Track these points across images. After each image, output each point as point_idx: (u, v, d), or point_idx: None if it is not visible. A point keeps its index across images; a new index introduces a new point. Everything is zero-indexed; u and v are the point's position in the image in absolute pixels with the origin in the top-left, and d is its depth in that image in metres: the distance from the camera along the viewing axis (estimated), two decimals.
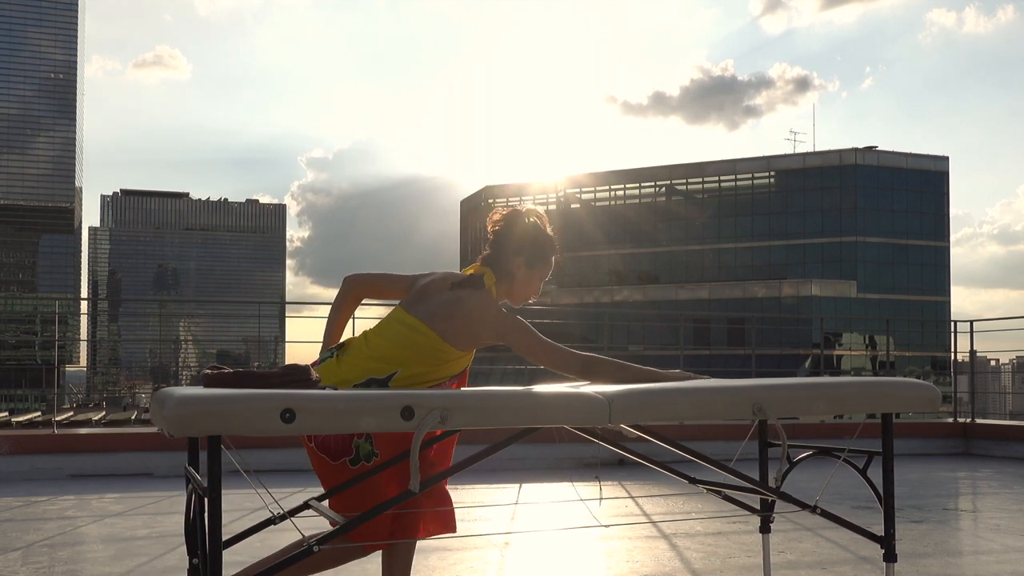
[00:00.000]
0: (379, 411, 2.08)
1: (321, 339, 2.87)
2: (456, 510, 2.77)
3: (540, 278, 2.77)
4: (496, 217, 2.78)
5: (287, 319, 12.70)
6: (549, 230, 2.79)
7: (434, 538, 2.69)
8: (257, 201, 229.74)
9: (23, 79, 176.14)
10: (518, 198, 73.05)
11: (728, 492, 3.00)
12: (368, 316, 10.78)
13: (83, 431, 8.36)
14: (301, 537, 2.33)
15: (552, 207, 70.82)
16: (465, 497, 6.37)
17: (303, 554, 2.13)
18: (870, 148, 62.17)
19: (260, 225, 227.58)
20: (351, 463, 2.49)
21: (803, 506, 2.65)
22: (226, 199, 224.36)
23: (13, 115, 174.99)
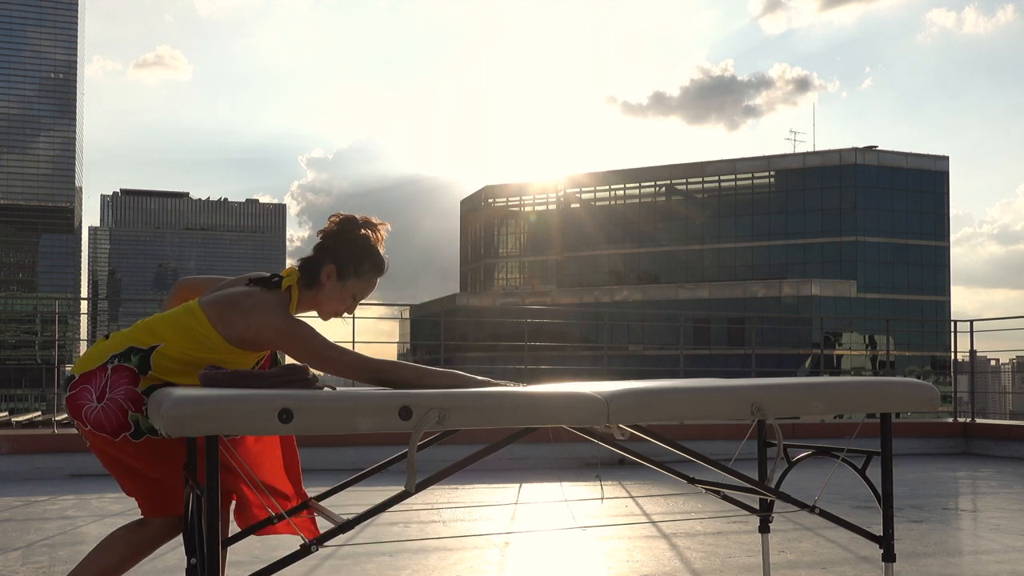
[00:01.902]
0: (377, 411, 2.08)
1: None
2: (456, 510, 2.76)
3: (352, 294, 2.52)
4: (330, 220, 2.58)
5: None
6: (382, 248, 2.57)
7: (434, 538, 2.66)
8: (257, 201, 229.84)
9: (23, 79, 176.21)
10: (518, 198, 73.07)
11: (727, 492, 3.00)
12: (368, 316, 10.78)
13: None
14: (300, 537, 2.33)
15: (552, 207, 70.84)
16: (465, 497, 6.37)
17: (302, 554, 2.13)
18: (870, 148, 62.17)
19: (260, 225, 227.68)
20: (133, 437, 2.39)
21: (802, 506, 2.64)
22: (226, 199, 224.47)
23: (13, 115, 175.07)
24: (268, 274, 2.52)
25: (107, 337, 2.46)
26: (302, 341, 2.37)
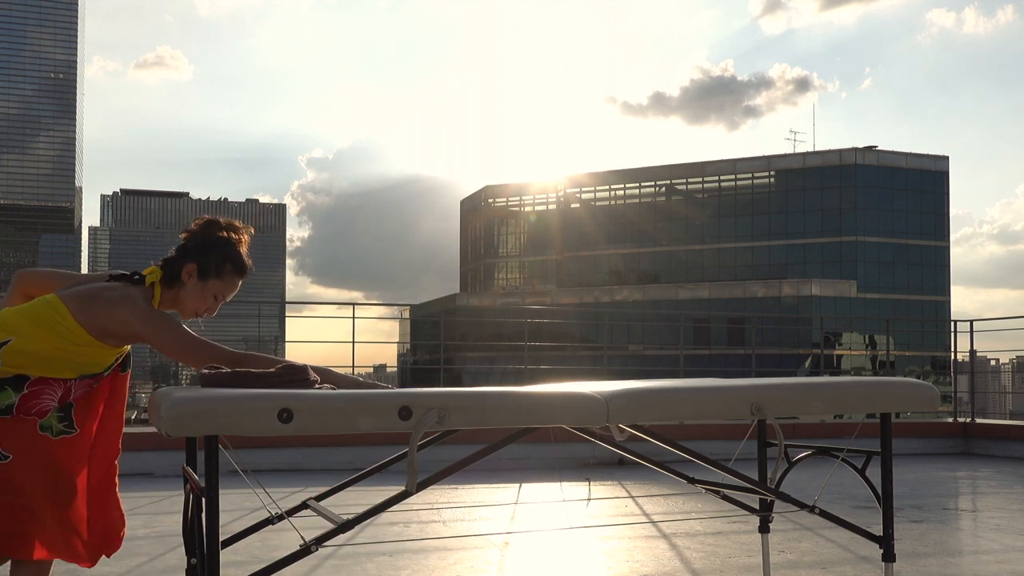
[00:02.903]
0: (377, 411, 2.08)
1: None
2: (456, 510, 2.76)
3: (213, 294, 2.55)
4: (195, 222, 2.61)
5: (287, 319, 12.70)
6: (245, 249, 2.60)
7: (434, 538, 2.66)
8: (257, 201, 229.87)
9: (23, 79, 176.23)
10: (518, 198, 73.07)
11: (727, 492, 3.00)
12: (368, 316, 10.77)
13: None
14: (299, 537, 2.32)
15: (552, 207, 70.84)
16: (465, 497, 6.37)
17: (302, 554, 2.12)
18: (870, 148, 62.17)
19: (260, 225, 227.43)
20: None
21: (802, 506, 2.64)
22: (226, 199, 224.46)
23: (13, 115, 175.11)
24: (129, 272, 2.54)
25: None
26: (167, 331, 2.40)
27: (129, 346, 2.56)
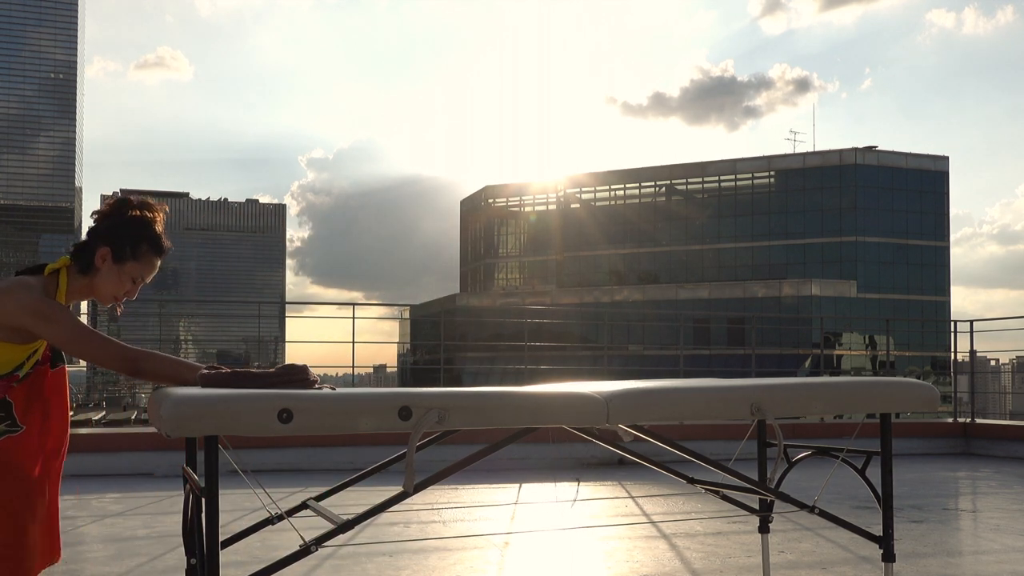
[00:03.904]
0: (377, 411, 2.08)
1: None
2: (456, 510, 2.75)
3: (131, 276, 2.43)
4: (105, 203, 2.48)
5: (287, 319, 12.71)
6: (160, 228, 2.48)
7: (434, 538, 2.65)
8: (257, 201, 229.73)
9: (23, 79, 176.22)
10: (518, 198, 73.08)
11: (727, 492, 3.00)
12: (368, 316, 10.77)
13: (83, 431, 8.35)
14: (299, 537, 2.32)
15: (552, 207, 70.83)
16: (465, 497, 6.37)
17: (302, 554, 2.12)
18: (870, 148, 62.17)
19: (260, 225, 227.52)
20: None
21: (802, 506, 2.64)
22: (226, 199, 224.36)
23: (13, 115, 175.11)
24: (37, 265, 2.45)
25: None
26: (56, 323, 2.29)
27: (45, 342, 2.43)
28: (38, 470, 2.41)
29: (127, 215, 2.43)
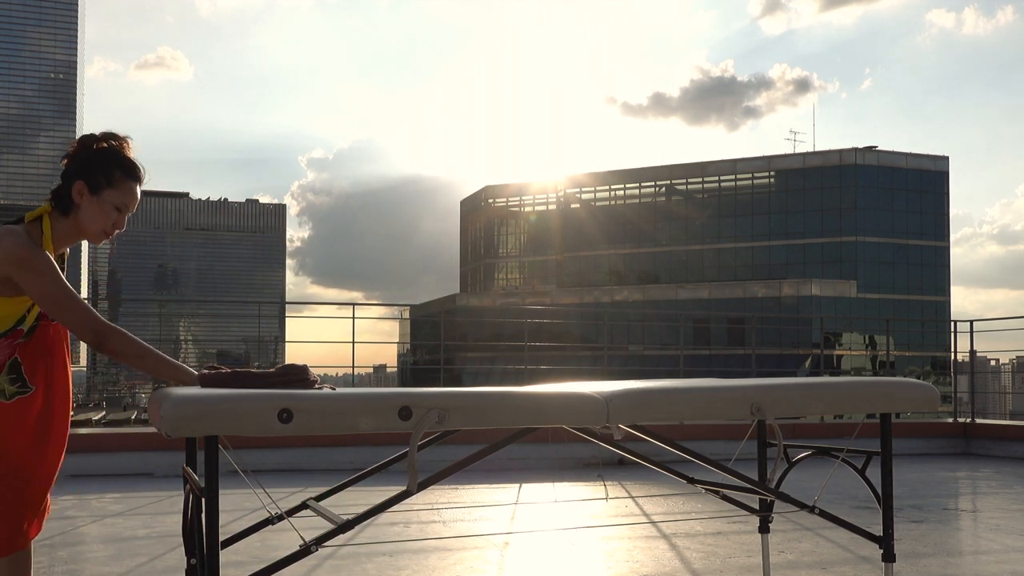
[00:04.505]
0: (377, 411, 2.08)
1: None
2: (456, 510, 2.75)
3: (113, 205, 2.42)
4: (70, 144, 2.47)
5: (287, 319, 12.72)
6: (130, 153, 2.48)
7: (434, 538, 2.65)
8: (257, 201, 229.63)
9: (23, 79, 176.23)
10: (518, 198, 73.08)
11: (727, 492, 3.00)
12: (368, 316, 10.77)
13: (83, 431, 8.35)
14: (299, 537, 2.32)
15: (552, 207, 70.84)
16: (465, 497, 6.37)
17: (302, 554, 2.13)
18: (870, 148, 62.17)
19: (260, 225, 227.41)
20: None
21: (802, 506, 2.64)
22: (226, 199, 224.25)
23: (13, 115, 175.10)
24: (18, 216, 2.44)
25: None
26: (39, 273, 2.29)
27: None
28: (45, 430, 2.40)
29: (93, 147, 2.45)
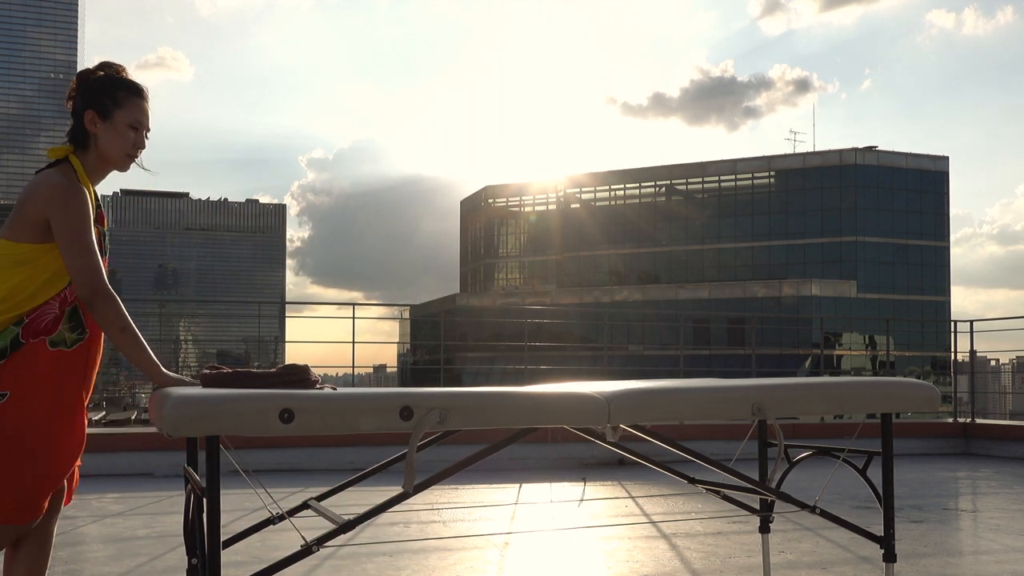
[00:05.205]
0: (378, 411, 2.08)
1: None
2: (456, 510, 2.75)
3: (126, 124, 2.48)
4: (69, 87, 2.54)
5: (287, 319, 12.73)
6: (127, 75, 2.53)
7: (434, 538, 2.66)
8: (257, 201, 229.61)
9: (23, 79, 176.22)
10: (518, 198, 73.08)
11: (728, 492, 3.00)
12: (368, 316, 10.76)
13: None
14: (300, 537, 2.32)
15: (552, 207, 70.84)
16: (465, 497, 6.37)
17: (302, 554, 2.13)
18: (870, 148, 62.17)
19: (260, 225, 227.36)
20: None
21: (802, 506, 2.64)
22: (226, 199, 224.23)
23: (13, 115, 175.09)
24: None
25: None
26: (67, 206, 2.32)
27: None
28: (90, 374, 2.47)
29: (91, 79, 2.50)
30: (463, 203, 79.75)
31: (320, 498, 2.60)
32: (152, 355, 2.41)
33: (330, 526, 2.13)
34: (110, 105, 2.47)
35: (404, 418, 2.08)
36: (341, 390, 2.18)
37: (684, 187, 66.15)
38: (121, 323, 2.36)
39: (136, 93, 2.52)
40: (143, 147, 2.53)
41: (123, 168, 2.52)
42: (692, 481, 3.01)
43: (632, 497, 6.42)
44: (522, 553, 4.58)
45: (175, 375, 2.40)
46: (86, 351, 2.42)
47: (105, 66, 2.54)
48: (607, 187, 68.47)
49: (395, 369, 39.37)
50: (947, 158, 63.73)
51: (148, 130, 2.55)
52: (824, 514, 2.69)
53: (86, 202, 2.37)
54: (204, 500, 2.04)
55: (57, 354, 2.36)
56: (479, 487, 6.81)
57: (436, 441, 2.67)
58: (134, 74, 2.57)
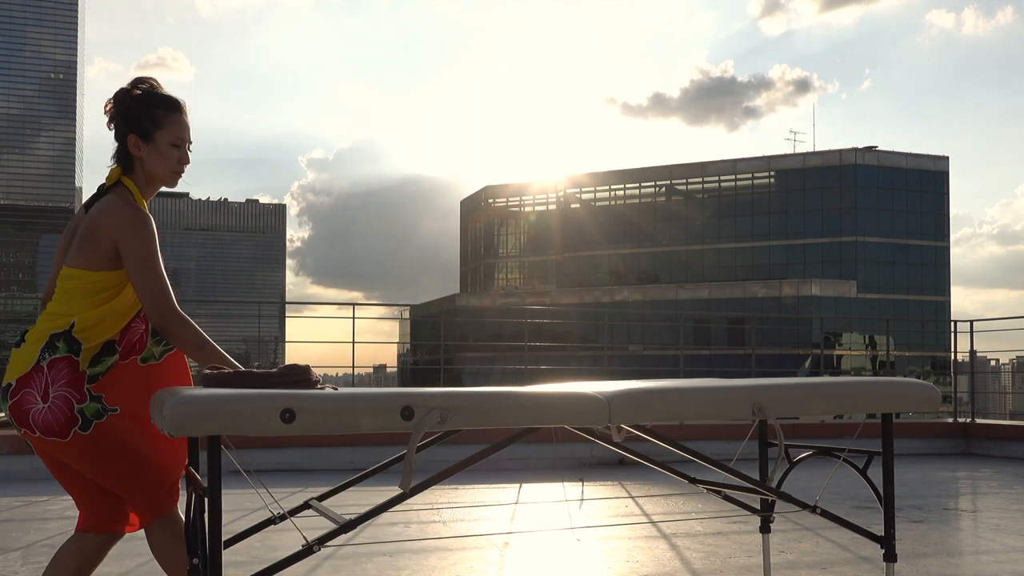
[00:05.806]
0: (379, 411, 2.08)
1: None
2: (456, 510, 2.76)
3: (169, 144, 2.48)
4: (106, 109, 2.55)
5: (287, 319, 12.73)
6: (162, 90, 2.53)
7: (434, 538, 2.66)
8: (257, 201, 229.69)
9: (23, 79, 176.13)
10: (518, 198, 73.08)
11: (728, 492, 3.00)
12: (368, 316, 10.76)
13: None
14: (301, 537, 2.33)
15: (552, 207, 70.83)
16: (465, 497, 6.37)
17: (303, 554, 2.13)
18: (870, 148, 62.17)
19: (260, 225, 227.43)
20: (82, 429, 2.35)
21: (803, 506, 2.64)
22: (226, 199, 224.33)
23: (13, 115, 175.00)
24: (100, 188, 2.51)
25: (23, 339, 2.39)
26: (138, 233, 2.36)
27: None
28: (181, 381, 2.56)
29: (128, 101, 2.49)
30: (463, 203, 79.74)
31: (321, 498, 2.60)
32: (235, 361, 2.45)
33: (331, 526, 2.13)
34: (150, 126, 2.47)
35: (405, 418, 2.08)
36: (342, 390, 2.18)
37: (684, 187, 66.15)
38: (198, 341, 2.40)
39: (175, 108, 2.51)
40: (187, 162, 2.53)
41: (171, 184, 2.55)
42: (692, 481, 3.01)
43: (632, 497, 6.42)
44: (522, 553, 4.58)
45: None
46: (175, 359, 2.52)
47: (139, 83, 2.52)
48: (607, 187, 68.46)
49: (395, 369, 39.36)
50: (947, 158, 63.74)
51: (190, 143, 2.55)
52: (825, 514, 2.69)
53: (153, 227, 2.42)
54: (205, 500, 2.04)
55: (149, 367, 2.47)
56: (479, 487, 6.81)
57: (436, 441, 2.67)
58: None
